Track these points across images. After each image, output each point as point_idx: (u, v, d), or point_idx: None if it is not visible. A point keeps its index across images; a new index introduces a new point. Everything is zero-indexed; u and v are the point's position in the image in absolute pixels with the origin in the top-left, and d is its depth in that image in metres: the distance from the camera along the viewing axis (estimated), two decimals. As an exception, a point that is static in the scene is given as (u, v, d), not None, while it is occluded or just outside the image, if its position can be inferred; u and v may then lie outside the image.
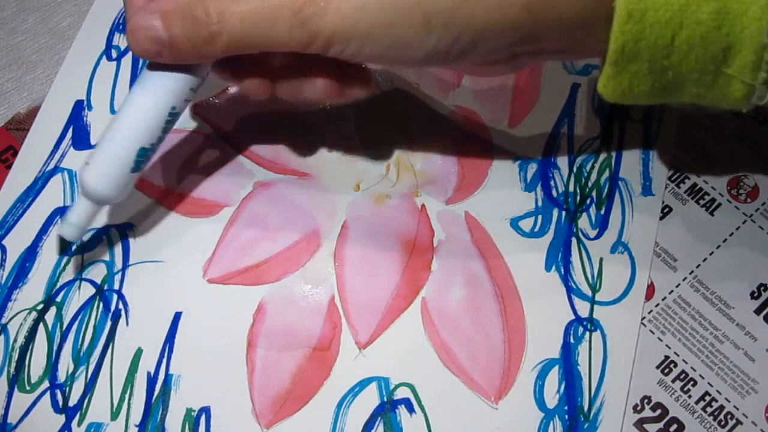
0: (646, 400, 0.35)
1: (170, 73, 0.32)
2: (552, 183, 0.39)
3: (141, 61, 0.42)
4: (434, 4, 0.28)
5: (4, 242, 0.38)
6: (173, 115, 0.33)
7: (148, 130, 0.33)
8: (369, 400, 0.35)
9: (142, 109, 0.32)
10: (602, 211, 0.39)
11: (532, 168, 0.40)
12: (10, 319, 0.36)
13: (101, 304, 0.37)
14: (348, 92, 0.34)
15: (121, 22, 0.43)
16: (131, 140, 0.33)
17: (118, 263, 0.37)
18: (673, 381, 0.36)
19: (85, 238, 0.38)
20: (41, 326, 0.36)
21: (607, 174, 0.39)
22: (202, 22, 0.30)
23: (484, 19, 0.28)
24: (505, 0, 0.28)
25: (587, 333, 0.36)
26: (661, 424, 0.35)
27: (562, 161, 0.40)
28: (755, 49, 0.27)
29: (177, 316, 0.36)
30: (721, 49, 0.28)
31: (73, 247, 0.37)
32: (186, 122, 0.40)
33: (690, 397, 0.35)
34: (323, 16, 0.28)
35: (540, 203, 0.39)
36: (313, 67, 0.33)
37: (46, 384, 0.35)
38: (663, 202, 0.39)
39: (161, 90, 0.32)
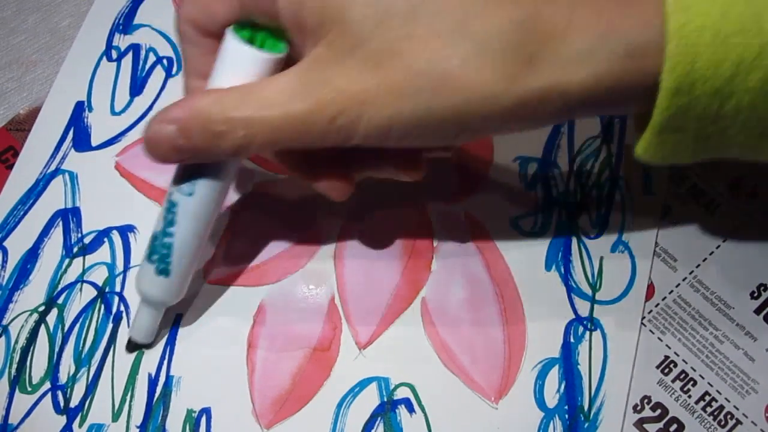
0: (646, 400, 0.35)
1: (204, 174, 0.31)
2: (552, 183, 0.39)
3: (141, 64, 0.42)
4: (471, 120, 0.28)
5: (5, 244, 0.38)
6: (219, 203, 0.32)
7: (199, 235, 0.32)
8: (369, 400, 0.35)
9: (197, 224, 0.32)
10: (602, 211, 0.39)
11: (532, 167, 0.40)
12: (12, 321, 0.36)
13: (103, 306, 0.37)
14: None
15: (121, 22, 0.43)
16: (189, 251, 0.33)
17: (120, 265, 0.38)
18: (673, 381, 0.36)
19: (87, 240, 0.38)
20: (42, 328, 0.36)
21: (607, 174, 0.39)
22: (224, 135, 0.28)
23: (519, 127, 0.29)
24: (543, 110, 0.28)
25: (587, 332, 0.36)
26: (661, 424, 0.35)
27: (562, 161, 0.40)
28: None
29: (177, 318, 0.36)
30: None
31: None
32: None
33: (690, 397, 0.35)
34: (358, 125, 0.28)
35: (540, 203, 0.39)
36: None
37: (47, 385, 0.35)
38: (663, 202, 0.39)
39: (202, 191, 0.31)
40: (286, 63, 0.29)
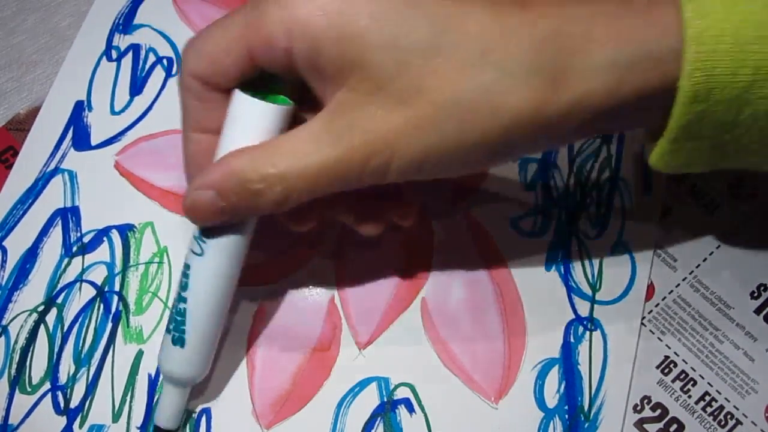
0: (646, 400, 0.35)
1: (230, 236, 0.31)
2: (552, 183, 0.39)
3: (141, 64, 0.42)
4: (502, 145, 0.28)
5: (4, 243, 0.38)
6: (235, 265, 0.31)
7: (215, 300, 0.31)
8: (369, 400, 0.35)
9: (212, 286, 0.31)
10: (602, 211, 0.39)
11: (532, 168, 0.40)
12: (11, 321, 0.36)
13: (102, 306, 0.37)
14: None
15: (121, 22, 0.43)
16: (204, 318, 0.31)
17: (119, 264, 0.38)
18: (673, 381, 0.36)
19: (86, 240, 0.38)
20: (42, 328, 0.36)
21: (607, 174, 0.39)
22: (262, 192, 0.28)
23: (547, 146, 0.29)
24: (570, 126, 0.28)
25: (587, 333, 0.36)
26: (661, 424, 0.35)
27: (562, 161, 0.40)
28: None
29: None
30: None
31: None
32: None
33: (690, 397, 0.35)
34: (390, 163, 0.28)
35: (540, 203, 0.39)
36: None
37: (47, 386, 0.35)
38: (663, 202, 0.39)
39: (226, 258, 0.31)
40: (297, 116, 0.30)
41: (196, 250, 0.30)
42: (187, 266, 0.31)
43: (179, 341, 0.31)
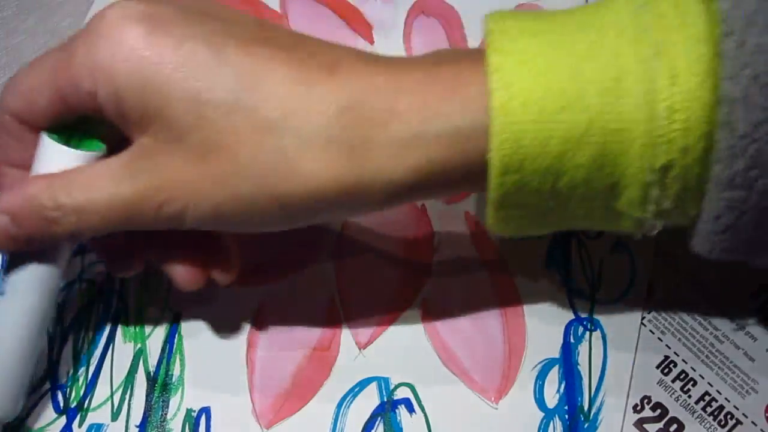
0: (646, 400, 0.35)
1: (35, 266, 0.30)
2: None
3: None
4: (297, 210, 0.28)
5: (4, 243, 0.38)
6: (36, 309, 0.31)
7: (24, 348, 0.31)
8: (369, 400, 0.35)
9: (12, 328, 0.30)
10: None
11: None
12: (11, 320, 0.36)
13: (101, 305, 0.37)
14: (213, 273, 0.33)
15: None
16: (13, 366, 0.31)
17: (119, 264, 0.37)
18: (673, 381, 0.36)
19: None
20: (42, 327, 0.36)
21: (607, 174, 0.39)
22: (57, 220, 0.28)
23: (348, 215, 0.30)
24: (370, 198, 0.28)
25: (587, 332, 0.36)
26: (661, 424, 0.35)
27: (562, 161, 0.40)
28: (641, 186, 0.27)
29: (177, 316, 0.36)
30: (607, 186, 0.27)
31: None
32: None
33: (690, 397, 0.35)
34: (185, 212, 0.28)
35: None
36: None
37: (46, 385, 0.35)
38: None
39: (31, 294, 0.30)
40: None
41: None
42: None
43: None
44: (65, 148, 0.29)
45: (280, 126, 0.26)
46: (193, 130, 0.27)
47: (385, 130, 0.27)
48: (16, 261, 0.30)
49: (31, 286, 0.30)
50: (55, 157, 0.29)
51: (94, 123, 0.30)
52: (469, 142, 0.26)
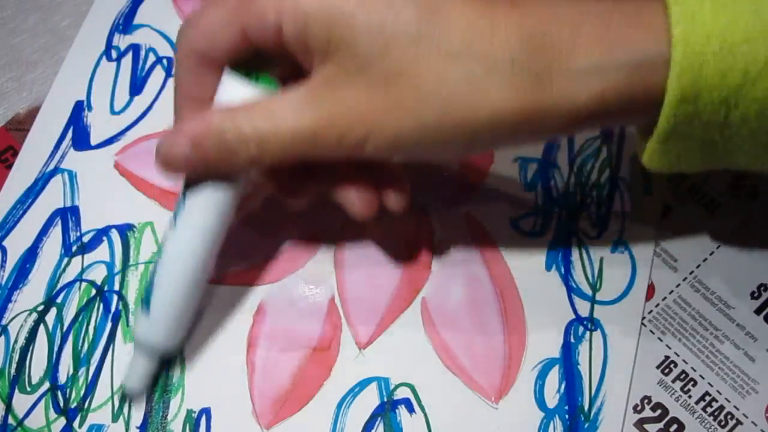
0: (646, 400, 0.35)
1: (210, 192, 0.31)
2: (552, 183, 0.39)
3: (141, 64, 0.42)
4: (479, 137, 0.28)
5: (4, 243, 0.38)
6: (208, 241, 0.32)
7: (183, 273, 0.32)
8: (369, 400, 0.35)
9: (191, 242, 0.31)
10: (602, 211, 0.39)
11: (532, 168, 0.40)
12: (11, 321, 0.36)
13: (101, 305, 0.37)
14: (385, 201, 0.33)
15: (121, 22, 0.43)
16: (170, 288, 0.32)
17: (118, 264, 0.37)
18: (674, 381, 0.36)
19: (86, 239, 0.38)
20: (42, 327, 0.36)
21: (607, 174, 0.39)
22: (237, 149, 0.29)
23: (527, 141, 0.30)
24: (551, 125, 0.28)
25: (587, 333, 0.36)
26: (661, 425, 0.35)
27: (562, 161, 0.40)
28: None
29: (177, 317, 0.36)
30: None
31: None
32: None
33: (690, 397, 0.35)
34: (366, 140, 0.28)
35: (540, 203, 0.39)
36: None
37: (46, 385, 0.35)
38: (663, 202, 0.39)
39: (205, 214, 0.31)
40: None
41: (170, 222, 0.31)
42: (164, 236, 0.32)
43: (146, 309, 0.32)
44: (247, 83, 0.30)
45: (465, 53, 0.27)
46: (378, 60, 0.27)
47: (568, 59, 0.27)
48: (191, 194, 0.31)
49: (203, 220, 0.31)
50: (237, 91, 0.30)
51: (267, 61, 0.30)
52: (649, 72, 0.27)
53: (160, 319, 0.32)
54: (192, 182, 0.31)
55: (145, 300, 0.32)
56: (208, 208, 0.31)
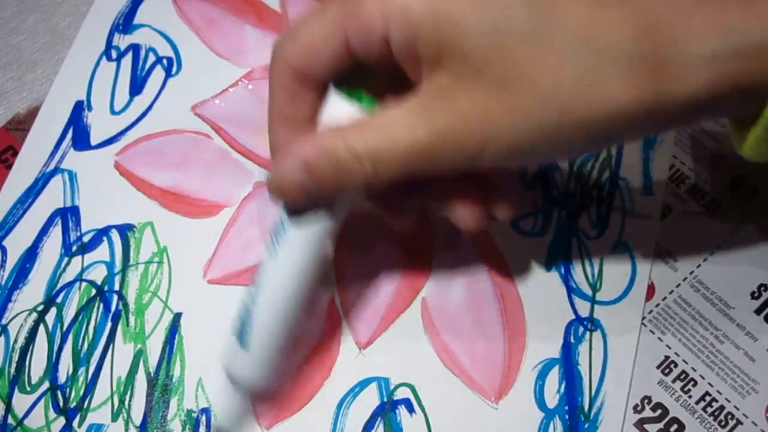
0: (646, 400, 0.35)
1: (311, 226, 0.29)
2: (552, 183, 0.39)
3: (141, 64, 0.42)
4: (600, 133, 0.27)
5: (4, 243, 0.38)
6: (310, 270, 0.30)
7: (284, 304, 0.30)
8: (369, 400, 0.35)
9: (296, 274, 0.29)
10: (602, 211, 0.39)
11: (532, 168, 0.40)
12: (11, 320, 0.36)
13: (101, 305, 0.37)
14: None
15: (121, 22, 0.43)
16: (270, 321, 0.30)
17: (118, 264, 0.37)
18: (674, 381, 0.36)
19: (86, 239, 0.38)
20: (41, 327, 0.36)
21: (607, 174, 0.39)
22: (352, 170, 0.27)
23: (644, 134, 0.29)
24: (670, 115, 0.27)
25: (587, 333, 0.36)
26: (661, 425, 0.35)
27: (562, 161, 0.40)
28: None
29: (177, 317, 0.36)
30: None
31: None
32: (186, 122, 0.40)
33: (690, 397, 0.35)
34: (485, 147, 0.27)
35: (540, 203, 0.39)
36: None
37: (46, 385, 0.35)
38: (663, 202, 0.39)
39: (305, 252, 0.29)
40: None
41: (269, 251, 0.29)
42: (260, 264, 0.30)
43: (242, 343, 0.30)
44: (353, 102, 0.28)
45: (582, 49, 0.26)
46: (493, 62, 0.26)
47: (684, 47, 0.26)
48: (296, 221, 0.29)
49: (309, 250, 0.29)
50: (342, 110, 0.28)
51: (363, 77, 0.29)
52: (762, 59, 0.26)
53: (261, 357, 0.30)
54: (297, 208, 0.29)
55: (240, 334, 0.30)
56: (314, 237, 0.29)
